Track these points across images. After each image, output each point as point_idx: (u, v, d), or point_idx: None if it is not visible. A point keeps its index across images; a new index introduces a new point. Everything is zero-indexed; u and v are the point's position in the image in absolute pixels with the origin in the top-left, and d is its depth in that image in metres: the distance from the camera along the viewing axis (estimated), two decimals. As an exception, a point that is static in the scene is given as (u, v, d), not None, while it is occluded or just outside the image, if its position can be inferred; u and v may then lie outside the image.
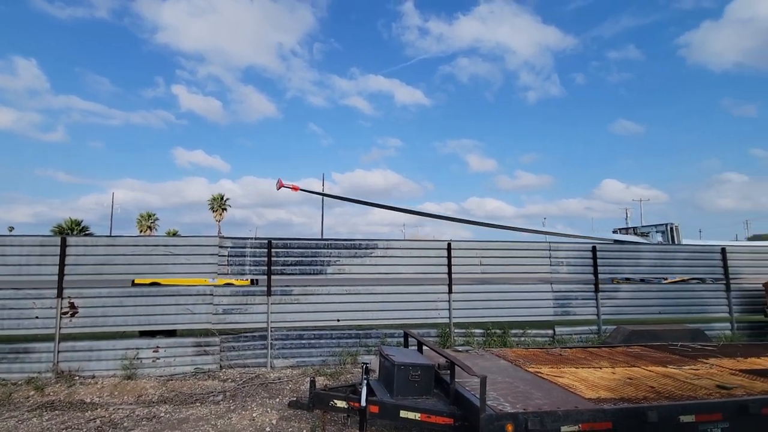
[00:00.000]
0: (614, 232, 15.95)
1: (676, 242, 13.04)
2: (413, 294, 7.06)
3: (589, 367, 4.51)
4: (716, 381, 4.09)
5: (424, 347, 4.63)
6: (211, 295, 6.40)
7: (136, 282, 7.29)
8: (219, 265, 6.54)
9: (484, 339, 7.08)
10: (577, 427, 3.11)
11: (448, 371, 3.88)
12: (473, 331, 7.15)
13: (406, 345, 5.12)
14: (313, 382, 3.90)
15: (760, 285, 8.06)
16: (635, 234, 14.56)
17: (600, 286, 7.66)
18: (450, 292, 7.08)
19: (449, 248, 7.20)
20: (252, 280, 7.14)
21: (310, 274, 6.82)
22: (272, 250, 6.72)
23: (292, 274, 6.80)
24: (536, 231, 11.78)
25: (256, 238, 6.87)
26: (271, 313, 6.53)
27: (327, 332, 6.74)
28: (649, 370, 4.46)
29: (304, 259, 6.81)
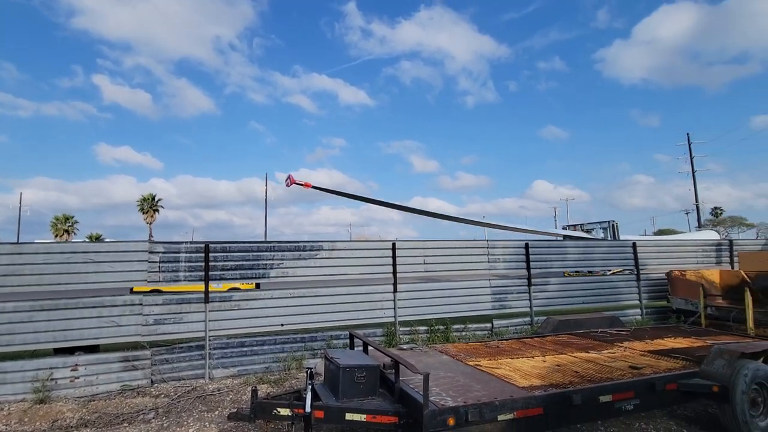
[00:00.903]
0: (564, 228, 17.22)
1: (616, 237, 14.50)
2: (359, 294, 7.07)
3: (523, 357, 4.83)
4: (629, 362, 4.58)
5: (370, 347, 4.66)
6: (140, 304, 5.92)
7: (135, 290, 6.72)
8: (149, 272, 6.06)
9: (428, 336, 7.29)
10: (512, 414, 3.32)
11: (393, 370, 3.96)
12: (418, 328, 7.34)
13: (351, 346, 5.12)
14: (254, 392, 3.77)
15: (664, 274, 9.15)
16: (582, 230, 15.94)
17: (532, 280, 8.23)
18: (395, 291, 7.20)
19: (394, 248, 7.32)
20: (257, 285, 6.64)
21: (252, 278, 6.57)
22: (210, 254, 6.36)
23: (233, 279, 6.50)
24: (531, 231, 12.05)
25: (191, 242, 6.46)
26: (210, 321, 6.19)
27: (270, 338, 6.53)
28: (574, 357, 4.89)
29: (245, 263, 6.54)
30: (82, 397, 5.42)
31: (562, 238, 11.31)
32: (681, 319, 8.22)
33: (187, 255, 6.27)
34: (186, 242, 6.47)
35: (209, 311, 6.20)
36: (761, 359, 4.24)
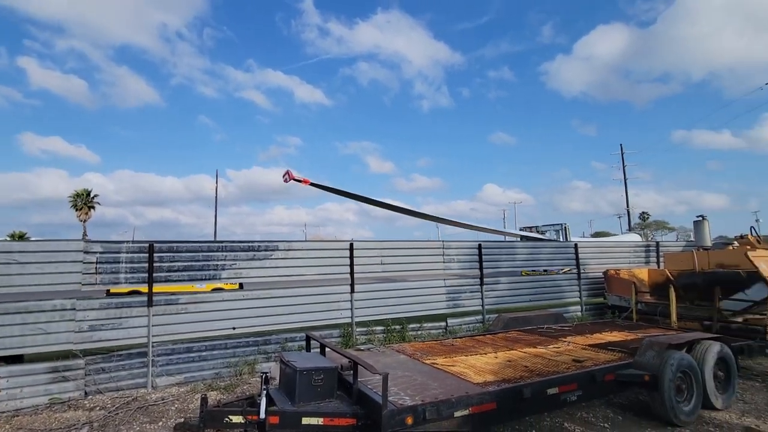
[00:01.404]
0: (521, 229, 18.08)
1: (567, 239, 15.46)
2: (315, 296, 6.95)
3: (477, 354, 5.00)
4: (572, 356, 4.89)
5: (327, 349, 4.59)
6: (73, 309, 5.40)
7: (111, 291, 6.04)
8: (84, 273, 5.55)
9: (384, 335, 7.33)
10: (468, 410, 3.42)
11: (351, 371, 3.93)
12: (374, 328, 7.35)
13: (308, 348, 5.02)
14: (204, 399, 3.57)
15: (601, 273, 9.87)
16: (537, 232, 16.85)
17: (484, 279, 8.54)
18: (352, 291, 7.15)
19: (351, 248, 7.28)
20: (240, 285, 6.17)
21: (201, 279, 6.23)
22: (155, 254, 5.95)
23: (180, 280, 6.12)
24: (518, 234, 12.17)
25: (134, 242, 6.01)
26: (153, 326, 5.79)
27: (221, 342, 6.23)
28: (524, 352, 5.13)
29: (194, 263, 6.19)
30: (4, 412, 4.86)
31: (520, 239, 11.91)
32: (615, 315, 8.91)
33: (129, 255, 5.83)
34: (128, 241, 6.00)
35: (153, 315, 5.80)
36: (684, 349, 4.71)
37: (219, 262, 6.34)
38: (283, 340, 6.61)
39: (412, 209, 11.25)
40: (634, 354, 4.75)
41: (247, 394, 4.82)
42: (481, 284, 8.46)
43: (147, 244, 5.96)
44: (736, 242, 9.98)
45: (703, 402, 4.55)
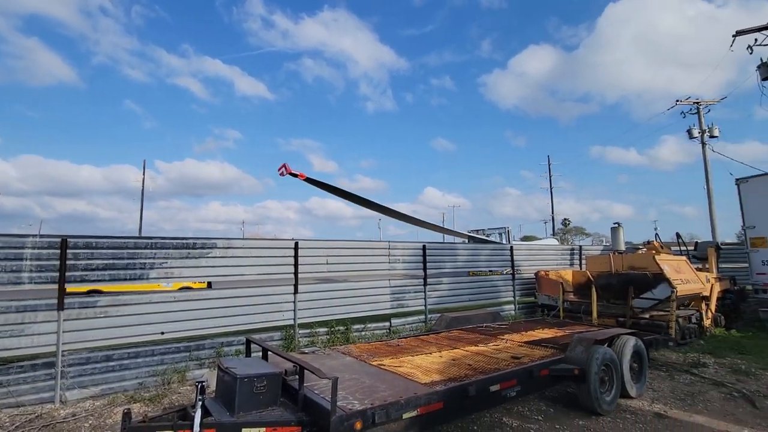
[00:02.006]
0: (469, 232, 18.78)
1: (510, 241, 16.31)
2: (256, 297, 6.59)
3: (422, 354, 5.05)
4: (511, 353, 5.14)
5: (270, 353, 4.35)
6: (-41, 314, 4.57)
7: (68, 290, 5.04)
8: (-25, 272, 4.72)
9: (328, 337, 7.16)
10: (416, 411, 3.41)
11: (297, 376, 3.75)
12: (318, 330, 7.16)
13: (248, 353, 4.72)
14: (127, 414, 3.18)
15: (533, 274, 10.57)
16: (483, 234, 17.59)
17: (427, 279, 8.72)
18: (296, 292, 6.90)
19: (296, 248, 7.02)
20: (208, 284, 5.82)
21: (125, 279, 5.60)
22: (68, 251, 5.24)
23: (100, 280, 5.45)
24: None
25: (42, 236, 5.24)
26: (65, 332, 5.09)
27: (147, 348, 5.65)
28: (466, 350, 5.29)
29: (117, 261, 5.55)
30: None
31: (467, 241, 12.38)
32: (545, 313, 9.58)
33: (36, 252, 5.06)
34: (33, 235, 5.22)
35: (64, 320, 5.10)
36: (606, 344, 5.16)
37: (147, 261, 5.75)
38: (219, 344, 6.18)
39: (408, 215, 11.26)
40: (564, 350, 5.11)
41: (178, 405, 4.41)
42: (425, 284, 8.62)
43: (59, 239, 5.23)
44: (643, 248, 11.23)
45: (621, 391, 5.02)
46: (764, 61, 16.53)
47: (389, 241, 8.30)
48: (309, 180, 9.25)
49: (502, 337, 6.16)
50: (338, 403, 3.14)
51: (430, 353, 5.09)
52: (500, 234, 18.47)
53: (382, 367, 4.40)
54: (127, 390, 5.36)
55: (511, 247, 10.73)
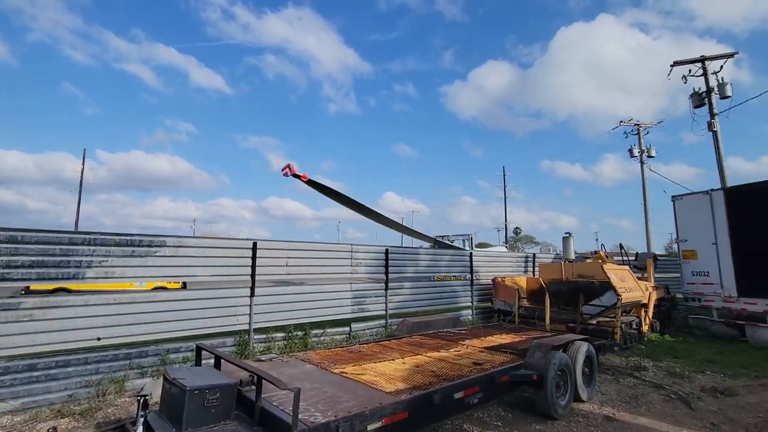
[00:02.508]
0: (435, 237, 19.01)
1: (472, 247, 16.64)
2: (208, 299, 6.15)
3: (385, 361, 4.93)
4: (472, 359, 5.15)
5: (223, 362, 4.04)
6: None
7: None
8: None
9: (285, 343, 6.85)
10: (381, 422, 3.29)
11: (253, 387, 3.50)
12: (275, 335, 6.82)
13: (198, 362, 4.36)
14: (52, 431, 2.79)
15: (490, 280, 10.83)
16: (449, 240, 17.81)
17: (389, 284, 8.64)
18: (252, 295, 6.53)
19: (255, 248, 6.65)
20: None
21: (57, 279, 4.99)
22: (-13, 245, 4.58)
23: (26, 279, 4.81)
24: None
25: (-47, 227, 4.54)
26: (-22, 338, 4.43)
27: (79, 356, 5.06)
28: (429, 357, 5.24)
29: (48, 258, 4.94)
30: None
31: (431, 245, 12.48)
32: (501, 318, 9.83)
33: (-55, 245, 4.38)
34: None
35: (-22, 324, 4.44)
36: (561, 350, 5.33)
37: (84, 258, 5.18)
38: (165, 351, 5.69)
39: (402, 224, 11.13)
40: (523, 355, 5.21)
41: (114, 420, 3.98)
42: (386, 289, 8.53)
43: (-25, 232, 4.56)
44: (591, 257, 11.89)
45: (574, 395, 5.19)
46: (696, 90, 18.30)
47: (352, 244, 8.13)
48: (311, 182, 9.06)
49: (463, 342, 6.19)
50: (299, 416, 2.94)
51: (393, 360, 4.99)
52: (464, 240, 18.93)
53: (344, 375, 4.23)
54: (53, 403, 4.76)
55: (471, 253, 10.94)
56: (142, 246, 5.62)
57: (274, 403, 3.30)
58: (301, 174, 8.47)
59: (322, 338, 7.32)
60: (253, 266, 6.60)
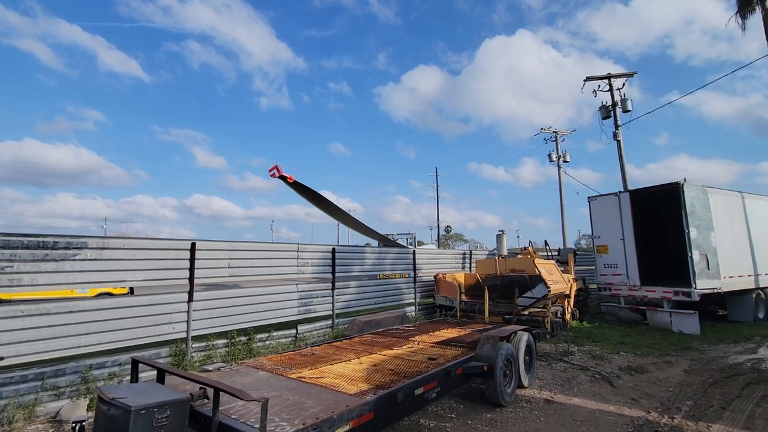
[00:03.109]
0: (386, 236, 19.01)
1: (415, 245, 16.92)
2: (139, 307, 5.52)
3: (341, 362, 4.84)
4: (426, 354, 5.27)
5: (168, 375, 3.66)
6: None
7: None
8: None
9: (227, 350, 6.40)
10: (348, 425, 3.21)
11: (205, 401, 3.23)
12: (215, 342, 6.33)
13: (134, 377, 3.89)
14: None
15: (432, 277, 11.19)
16: (392, 239, 17.85)
17: (336, 283, 8.50)
18: (190, 300, 6.00)
19: (193, 249, 6.11)
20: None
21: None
22: None
23: None
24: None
25: None
26: None
27: (-25, 381, 4.25)
28: (384, 355, 5.25)
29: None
30: None
31: (378, 244, 12.50)
32: (443, 313, 10.20)
33: None
34: None
35: None
36: (506, 340, 5.67)
37: (-20, 264, 4.34)
38: (86, 368, 4.99)
39: (372, 229, 11.02)
40: (472, 348, 5.45)
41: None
42: (333, 288, 8.38)
43: None
44: (521, 253, 12.84)
45: (518, 382, 5.55)
46: (604, 104, 20.65)
47: (298, 244, 7.85)
48: (295, 184, 9.21)
49: (414, 339, 6.30)
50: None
51: (350, 360, 4.91)
52: (407, 239, 19.40)
53: (302, 379, 4.07)
54: (-62, 440, 3.93)
55: (414, 251, 11.19)
56: (58, 249, 4.86)
57: (233, 417, 3.06)
58: (287, 175, 8.78)
59: (267, 343, 6.96)
60: (192, 269, 6.06)
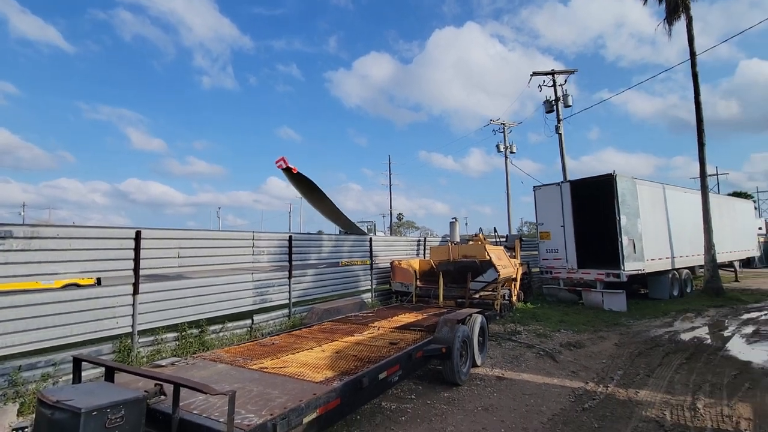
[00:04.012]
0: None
1: (374, 233, 16.84)
2: (77, 301, 5.06)
3: (303, 350, 4.80)
4: (387, 339, 5.38)
5: (118, 373, 3.42)
6: None
7: None
8: None
9: (177, 343, 6.08)
10: (316, 413, 3.22)
11: (162, 397, 3.08)
12: (164, 336, 5.99)
13: (76, 377, 3.59)
14: None
15: (388, 264, 11.35)
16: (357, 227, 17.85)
17: (293, 272, 8.35)
18: (136, 293, 5.60)
19: (138, 237, 5.68)
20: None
21: None
22: None
23: None
24: None
25: None
26: None
27: None
28: (345, 342, 5.28)
29: None
30: None
31: (339, 232, 12.39)
32: (399, 299, 10.42)
33: None
34: None
35: None
36: (462, 323, 5.93)
37: None
38: (14, 370, 4.51)
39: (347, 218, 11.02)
40: (430, 331, 5.65)
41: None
42: (290, 277, 8.22)
43: None
44: (472, 240, 13.39)
45: (472, 362, 5.86)
46: (548, 98, 21.85)
47: (254, 232, 7.57)
48: (299, 175, 9.86)
49: (373, 324, 6.39)
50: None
51: (311, 349, 4.89)
52: (367, 227, 19.42)
53: (265, 370, 3.99)
54: None
55: (371, 238, 11.25)
56: (-25, 238, 4.29)
57: (195, 412, 2.94)
58: (292, 167, 9.59)
59: (221, 334, 6.71)
60: (137, 259, 5.64)
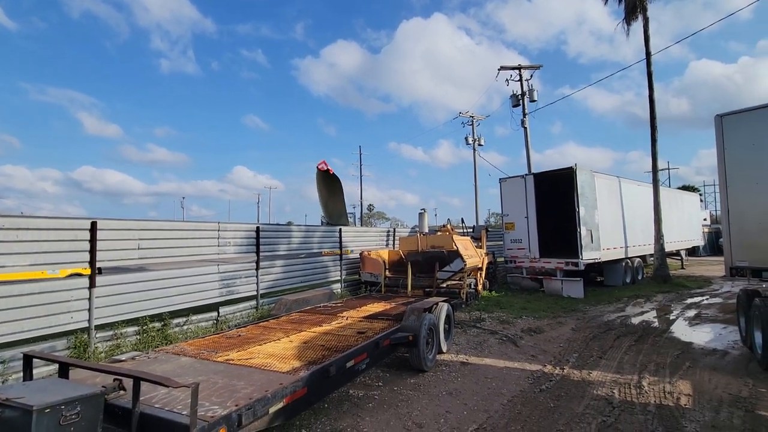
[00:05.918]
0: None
1: (354, 224, 16.74)
2: (27, 296, 4.79)
3: (270, 342, 4.79)
4: (355, 329, 5.45)
5: (72, 369, 3.29)
6: None
7: None
8: None
9: (138, 338, 5.89)
10: (282, 402, 3.24)
11: (120, 392, 3.01)
12: (124, 330, 5.78)
13: (27, 375, 3.43)
14: None
15: (358, 254, 11.39)
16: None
17: (260, 263, 8.23)
18: (92, 286, 5.36)
19: (93, 229, 5.41)
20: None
21: None
22: None
23: None
24: None
25: None
26: None
27: None
28: (314, 332, 5.31)
29: None
30: None
31: (321, 223, 12.44)
32: (368, 289, 10.51)
33: None
34: None
35: None
36: (428, 311, 6.09)
37: None
38: (-44, 369, 4.24)
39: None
40: (398, 320, 5.77)
41: None
42: (257, 268, 8.11)
43: None
44: (440, 230, 13.65)
45: (438, 349, 6.03)
46: (515, 93, 22.38)
47: (219, 222, 7.38)
48: (333, 176, 11.19)
49: (342, 314, 6.44)
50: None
51: (279, 340, 4.88)
52: (348, 218, 19.30)
53: (231, 362, 3.96)
54: None
55: (340, 229, 11.24)
56: None
57: (156, 406, 2.89)
58: (329, 168, 11.15)
59: (185, 327, 6.55)
60: (93, 251, 5.39)
